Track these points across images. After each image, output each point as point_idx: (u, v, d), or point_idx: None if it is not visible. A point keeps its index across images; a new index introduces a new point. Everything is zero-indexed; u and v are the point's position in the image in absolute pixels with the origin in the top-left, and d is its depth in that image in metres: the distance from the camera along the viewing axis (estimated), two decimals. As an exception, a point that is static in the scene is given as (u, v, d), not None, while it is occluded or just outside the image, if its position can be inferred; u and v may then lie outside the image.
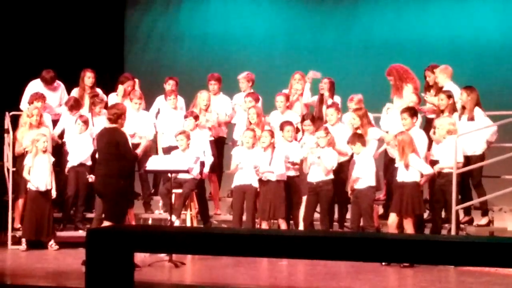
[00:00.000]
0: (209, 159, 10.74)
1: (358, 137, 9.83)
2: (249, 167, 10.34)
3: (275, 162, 10.29)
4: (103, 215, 8.96)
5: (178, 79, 11.73)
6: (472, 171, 9.97)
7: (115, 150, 8.62)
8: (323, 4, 14.27)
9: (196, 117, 10.80)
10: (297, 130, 10.69)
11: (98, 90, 11.54)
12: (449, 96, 10.04)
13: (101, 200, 8.88)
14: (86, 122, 10.89)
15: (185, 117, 10.85)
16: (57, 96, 11.45)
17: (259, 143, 10.53)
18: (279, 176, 10.30)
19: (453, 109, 10.02)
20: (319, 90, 11.06)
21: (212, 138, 11.06)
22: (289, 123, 10.55)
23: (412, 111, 9.86)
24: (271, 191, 10.26)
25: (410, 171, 9.40)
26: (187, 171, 9.51)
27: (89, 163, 10.84)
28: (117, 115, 8.75)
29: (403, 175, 9.43)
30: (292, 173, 10.45)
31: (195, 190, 10.50)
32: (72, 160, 10.87)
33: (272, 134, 10.39)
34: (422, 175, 9.49)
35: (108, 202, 8.65)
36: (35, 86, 11.37)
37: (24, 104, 11.25)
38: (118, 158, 8.63)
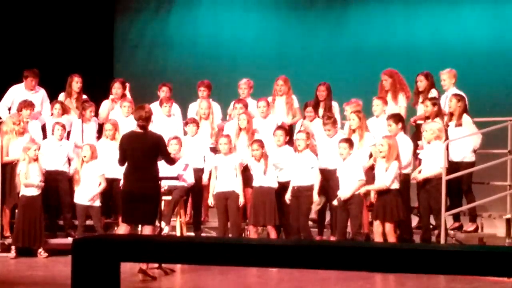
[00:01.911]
0: (208, 166, 10.74)
1: (348, 142, 9.78)
2: (227, 173, 10.31)
3: (270, 171, 10.25)
4: (140, 220, 8.71)
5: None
6: (462, 177, 9.99)
7: (154, 154, 8.61)
8: (313, 10, 14.28)
9: (197, 124, 10.81)
10: (287, 135, 10.63)
11: (84, 97, 11.53)
12: (435, 103, 10.09)
13: (138, 203, 8.50)
14: (64, 128, 10.86)
15: (186, 124, 10.86)
16: (37, 101, 11.40)
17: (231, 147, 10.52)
18: (272, 182, 10.27)
19: (437, 116, 10.06)
20: (316, 95, 11.06)
21: (213, 146, 11.08)
22: (280, 128, 10.53)
23: (397, 118, 9.88)
24: (262, 197, 10.22)
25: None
26: (176, 178, 9.51)
27: (66, 169, 10.83)
28: (147, 118, 8.71)
29: (382, 182, 9.43)
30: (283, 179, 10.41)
31: (185, 197, 10.49)
32: (49, 167, 10.77)
33: (262, 145, 10.31)
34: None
35: (150, 206, 8.59)
36: (15, 91, 11.33)
37: (2, 110, 11.20)
38: (155, 161, 8.66)
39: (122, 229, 8.69)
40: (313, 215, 10.52)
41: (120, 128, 10.75)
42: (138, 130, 8.74)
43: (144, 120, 8.67)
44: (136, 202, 8.50)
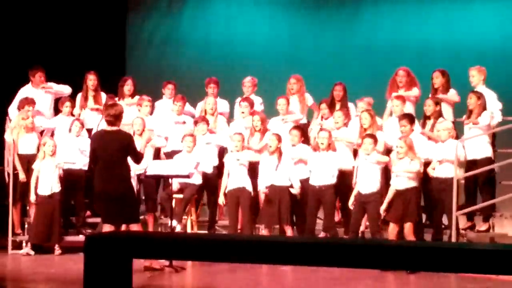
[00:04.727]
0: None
1: (374, 138, 9.74)
2: (239, 170, 10.31)
3: (282, 168, 10.20)
4: (122, 219, 8.62)
5: (179, 84, 11.76)
6: (479, 176, 9.95)
7: (124, 153, 8.55)
8: (324, 8, 14.28)
9: (207, 122, 10.81)
10: (302, 134, 10.61)
11: (103, 94, 11.62)
12: (436, 103, 10.10)
13: (118, 203, 8.44)
14: (83, 125, 10.90)
15: (195, 122, 10.83)
16: (48, 97, 11.49)
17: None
18: (285, 180, 10.24)
19: (439, 115, 10.04)
20: (332, 94, 11.07)
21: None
22: (296, 127, 10.52)
23: (410, 118, 9.86)
24: (277, 196, 10.18)
25: (408, 178, 9.38)
26: (187, 176, 9.51)
27: (84, 167, 10.85)
28: (116, 116, 8.58)
29: (402, 182, 9.40)
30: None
31: (196, 196, 10.49)
32: (66, 165, 10.77)
33: (279, 138, 10.29)
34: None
35: (131, 204, 8.58)
36: (24, 92, 11.40)
37: (12, 108, 11.28)
38: (125, 160, 8.60)
39: (106, 228, 8.65)
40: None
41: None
42: (108, 128, 8.64)
43: (112, 117, 8.55)
44: (113, 203, 8.43)
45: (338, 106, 10.97)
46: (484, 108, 10.02)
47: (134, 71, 14.03)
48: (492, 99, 10.22)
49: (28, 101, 10.99)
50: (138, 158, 8.75)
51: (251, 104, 11.08)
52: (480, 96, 10.02)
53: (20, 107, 11.00)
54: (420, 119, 10.35)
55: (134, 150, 8.65)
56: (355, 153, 10.29)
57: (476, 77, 10.38)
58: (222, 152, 11.00)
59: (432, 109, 10.09)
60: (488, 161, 10.01)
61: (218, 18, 14.74)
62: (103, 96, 11.59)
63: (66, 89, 11.54)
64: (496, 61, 12.66)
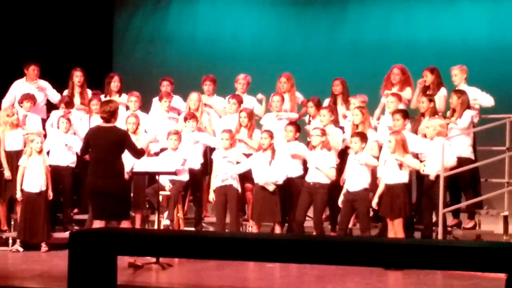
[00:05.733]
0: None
1: (361, 136, 9.76)
2: (227, 167, 10.30)
3: (275, 165, 10.19)
4: (113, 215, 8.67)
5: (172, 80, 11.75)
6: (461, 174, 9.96)
7: (118, 149, 8.58)
8: (312, 7, 14.27)
9: (196, 119, 10.79)
10: (297, 131, 10.59)
11: (88, 90, 11.57)
12: (430, 100, 10.09)
13: (110, 199, 8.47)
14: (69, 122, 10.85)
15: (185, 119, 10.81)
16: (41, 94, 11.48)
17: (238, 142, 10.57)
18: (276, 177, 10.22)
19: (433, 112, 10.04)
20: (332, 90, 11.06)
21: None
22: (291, 123, 10.50)
23: (404, 113, 9.87)
24: (266, 194, 10.14)
25: (399, 173, 9.39)
26: (174, 173, 9.51)
27: (72, 164, 10.82)
28: (111, 113, 8.62)
29: (391, 177, 9.41)
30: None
31: (183, 192, 10.48)
32: (54, 161, 10.75)
33: (271, 135, 10.27)
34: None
35: (123, 201, 8.60)
36: (17, 86, 11.38)
37: (6, 103, 11.24)
38: (119, 156, 8.62)
39: (96, 224, 8.64)
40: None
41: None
42: (104, 124, 8.68)
43: (108, 113, 8.60)
44: (105, 199, 8.45)
45: (339, 100, 10.96)
46: (468, 107, 10.03)
47: (121, 68, 14.00)
48: (476, 93, 10.25)
49: (28, 97, 11.00)
50: (138, 153, 8.85)
51: (239, 101, 11.06)
52: (461, 95, 10.02)
53: (20, 103, 11.03)
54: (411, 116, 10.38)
55: (133, 146, 8.70)
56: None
57: (458, 76, 10.42)
58: (207, 150, 10.99)
59: (426, 106, 10.08)
60: (469, 161, 10.04)
61: (205, 15, 14.71)
62: (89, 93, 11.56)
63: (55, 98, 11.51)
64: (483, 59, 12.71)
